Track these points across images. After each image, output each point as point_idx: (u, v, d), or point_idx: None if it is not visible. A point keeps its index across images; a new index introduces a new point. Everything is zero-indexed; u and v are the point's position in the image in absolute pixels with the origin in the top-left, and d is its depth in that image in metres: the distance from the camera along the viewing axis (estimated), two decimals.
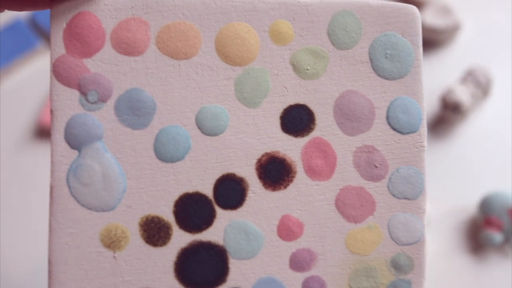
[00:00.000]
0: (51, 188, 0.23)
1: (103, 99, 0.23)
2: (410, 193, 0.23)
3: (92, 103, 0.23)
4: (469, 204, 0.55)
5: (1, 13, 0.64)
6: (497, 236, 0.51)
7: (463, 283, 0.52)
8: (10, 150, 0.60)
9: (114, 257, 0.23)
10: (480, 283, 0.52)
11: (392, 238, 0.23)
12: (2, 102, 0.63)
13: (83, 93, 0.23)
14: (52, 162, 0.23)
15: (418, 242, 0.23)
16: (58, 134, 0.23)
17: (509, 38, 0.63)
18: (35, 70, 0.64)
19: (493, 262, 0.53)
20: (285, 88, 0.23)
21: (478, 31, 0.64)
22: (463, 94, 0.58)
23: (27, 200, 0.58)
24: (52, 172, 0.23)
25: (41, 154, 0.60)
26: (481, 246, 0.53)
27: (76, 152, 0.23)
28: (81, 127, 0.23)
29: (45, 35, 0.65)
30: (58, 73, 0.23)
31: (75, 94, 0.23)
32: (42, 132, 0.60)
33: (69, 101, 0.23)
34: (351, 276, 0.23)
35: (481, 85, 0.59)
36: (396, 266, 0.23)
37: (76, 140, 0.23)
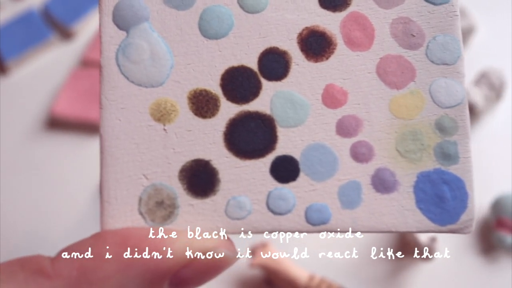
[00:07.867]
0: (101, 67, 0.23)
1: None
2: (449, 58, 0.24)
3: None
4: (481, 205, 0.55)
5: (14, 4, 0.65)
6: (508, 238, 0.51)
7: (474, 284, 0.52)
8: (21, 141, 0.60)
9: (165, 129, 0.23)
10: (491, 285, 0.52)
11: (434, 102, 0.23)
12: (14, 93, 0.63)
13: None
14: (101, 43, 0.23)
15: (460, 105, 0.23)
16: (107, 17, 0.24)
17: None
18: (47, 61, 0.65)
19: (504, 264, 0.53)
20: None
21: (492, 34, 0.65)
22: (476, 96, 0.59)
23: (38, 190, 0.58)
24: (101, 52, 0.23)
25: (52, 144, 0.60)
26: (492, 247, 0.54)
27: (124, 33, 0.24)
28: (129, 9, 0.24)
29: (57, 27, 0.66)
30: None
31: None
32: (54, 123, 0.60)
33: None
34: (398, 139, 0.23)
35: (494, 88, 0.60)
36: (441, 128, 0.23)
37: (124, 21, 0.24)
